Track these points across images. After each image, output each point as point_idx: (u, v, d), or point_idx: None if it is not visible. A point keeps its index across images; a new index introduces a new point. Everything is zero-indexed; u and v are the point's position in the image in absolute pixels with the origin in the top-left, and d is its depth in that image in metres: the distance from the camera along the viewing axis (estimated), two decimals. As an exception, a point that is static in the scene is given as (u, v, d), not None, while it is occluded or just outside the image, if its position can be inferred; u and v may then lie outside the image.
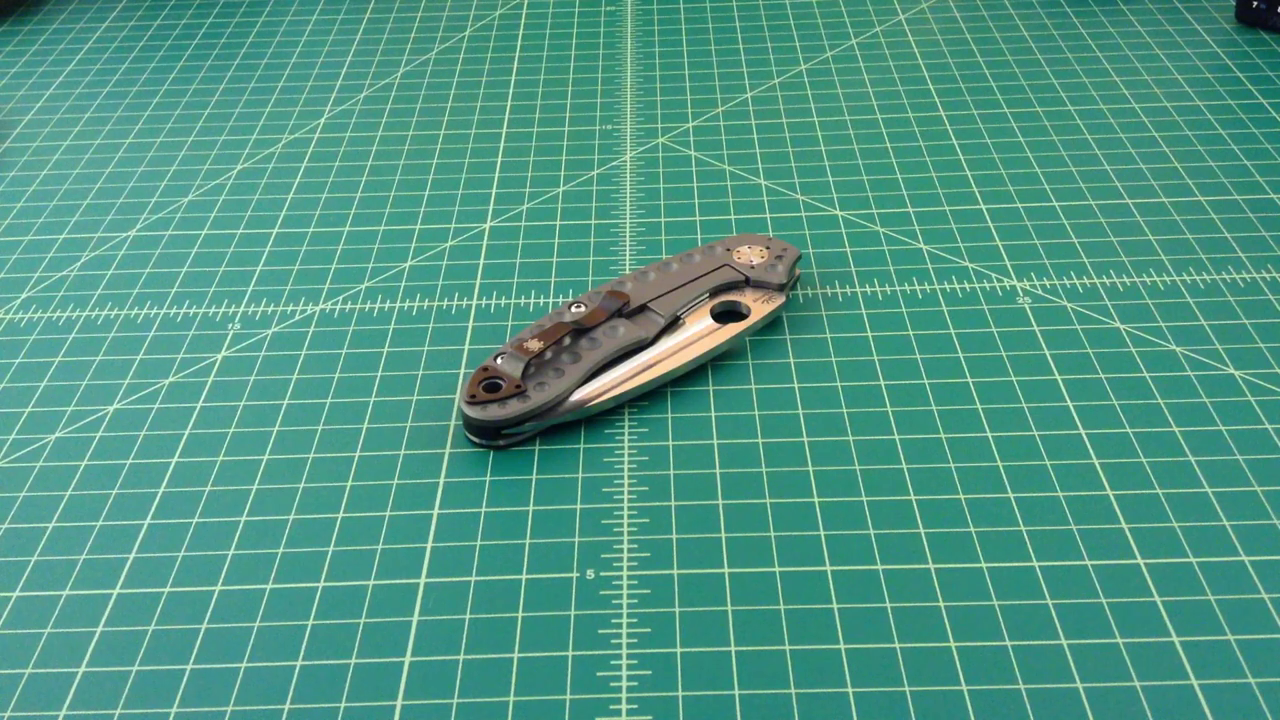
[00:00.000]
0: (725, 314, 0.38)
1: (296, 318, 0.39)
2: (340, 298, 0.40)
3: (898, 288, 0.39)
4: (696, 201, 0.44)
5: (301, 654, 0.29)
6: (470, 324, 0.39)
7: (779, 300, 0.38)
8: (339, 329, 0.39)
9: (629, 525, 0.32)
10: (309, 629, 0.29)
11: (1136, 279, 0.39)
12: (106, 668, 0.29)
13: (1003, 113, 0.48)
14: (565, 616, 0.29)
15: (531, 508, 0.32)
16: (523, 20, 0.58)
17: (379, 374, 0.37)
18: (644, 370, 0.35)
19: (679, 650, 0.29)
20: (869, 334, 0.37)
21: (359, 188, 0.46)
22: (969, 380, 0.36)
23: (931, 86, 0.51)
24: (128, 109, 0.52)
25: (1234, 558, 0.30)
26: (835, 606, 0.29)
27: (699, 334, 0.36)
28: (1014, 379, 0.36)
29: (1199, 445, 0.33)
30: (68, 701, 0.28)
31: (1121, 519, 0.31)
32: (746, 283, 0.38)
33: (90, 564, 0.31)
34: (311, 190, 0.46)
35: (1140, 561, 0.30)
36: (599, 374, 0.35)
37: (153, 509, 0.33)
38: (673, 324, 0.37)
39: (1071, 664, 0.28)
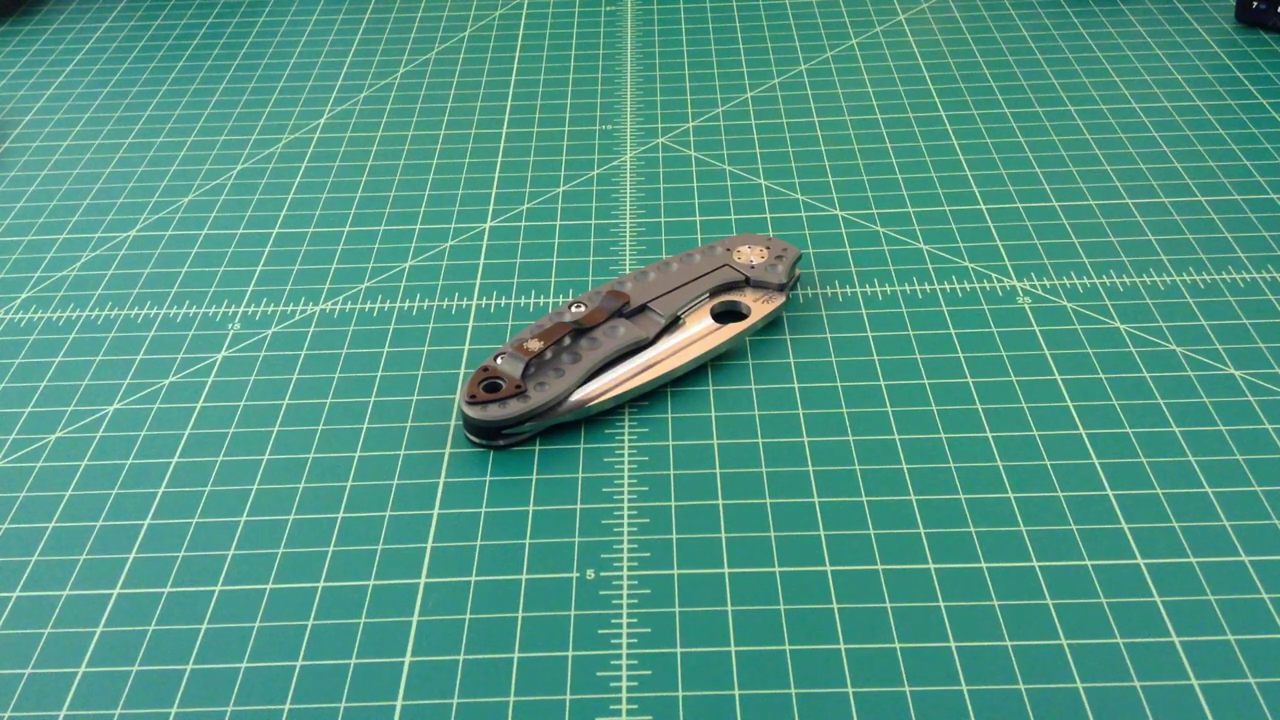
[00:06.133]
0: (725, 314, 0.38)
1: (296, 318, 0.39)
2: (340, 298, 0.40)
3: (898, 288, 0.39)
4: (696, 201, 0.44)
5: (301, 654, 0.29)
6: (470, 324, 0.39)
7: (779, 300, 0.38)
8: (339, 329, 0.39)
9: (629, 525, 0.32)
10: (309, 629, 0.29)
11: (1136, 279, 0.39)
12: (106, 668, 0.29)
13: (1003, 113, 0.48)
14: (565, 616, 0.29)
15: (531, 508, 0.32)
16: (523, 20, 0.58)
17: (379, 374, 0.37)
18: (644, 370, 0.35)
19: (679, 650, 0.29)
20: (869, 334, 0.37)
21: (359, 188, 0.46)
22: (969, 380, 0.36)
23: (931, 86, 0.51)
24: (128, 109, 0.52)
25: (1234, 558, 0.30)
26: (835, 606, 0.29)
27: (699, 334, 0.36)
28: (1014, 379, 0.36)
29: (1199, 445, 0.33)
30: (68, 701, 0.28)
31: (1121, 519, 0.31)
32: (746, 283, 0.38)
33: (90, 564, 0.31)
34: (311, 190, 0.46)
35: (1140, 561, 0.30)
36: (599, 374, 0.35)
37: (153, 509, 0.33)
38: (673, 324, 0.37)
39: (1071, 664, 0.28)
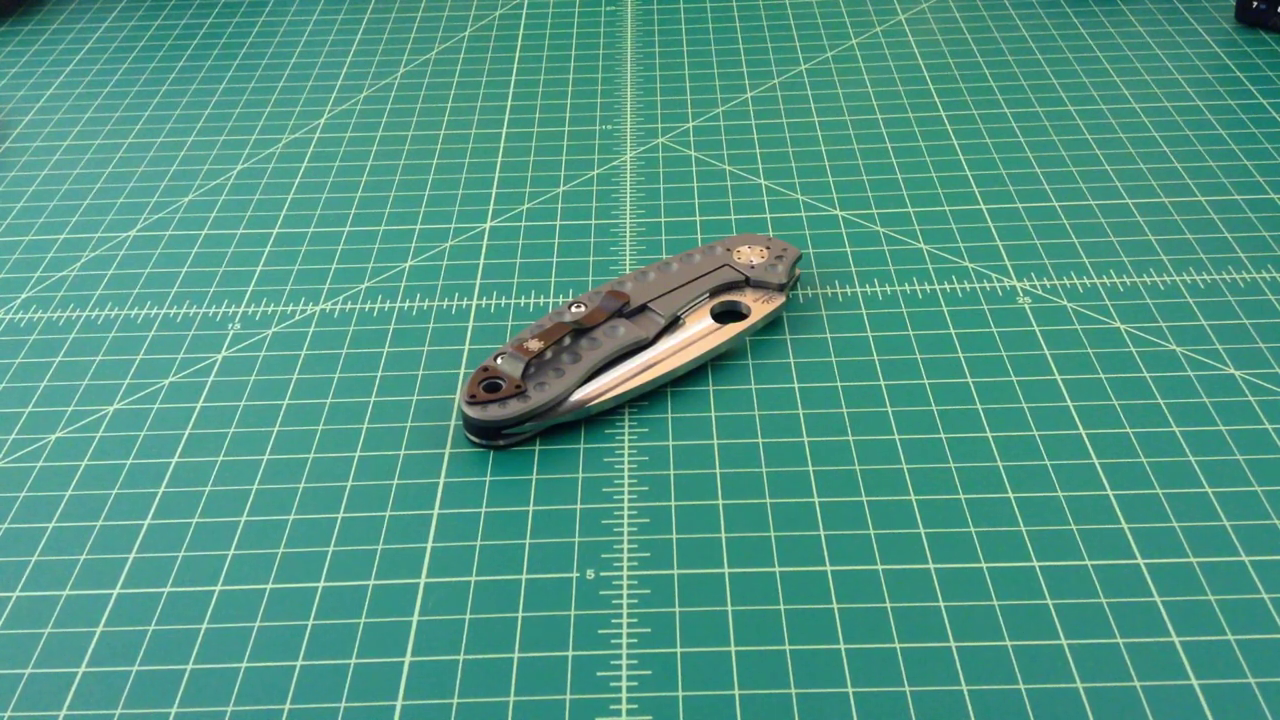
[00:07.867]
0: (725, 314, 0.38)
1: (296, 318, 0.39)
2: (340, 298, 0.40)
3: (898, 288, 0.39)
4: (696, 201, 0.44)
5: (301, 654, 0.29)
6: (470, 324, 0.39)
7: (779, 300, 0.38)
8: (339, 329, 0.39)
9: (629, 525, 0.32)
10: (309, 629, 0.29)
11: (1136, 279, 0.39)
12: (106, 668, 0.29)
13: (1003, 113, 0.48)
14: (565, 616, 0.29)
15: (531, 508, 0.32)
16: (523, 20, 0.58)
17: (379, 374, 0.37)
18: (644, 370, 0.35)
19: (679, 650, 0.29)
20: (869, 334, 0.37)
21: (359, 188, 0.46)
22: (969, 380, 0.36)
23: (931, 86, 0.51)
24: (128, 109, 0.52)
25: (1234, 558, 0.30)
26: (835, 606, 0.29)
27: (699, 334, 0.36)
28: (1014, 379, 0.36)
29: (1199, 445, 0.33)
30: (68, 701, 0.28)
31: (1121, 519, 0.31)
32: (746, 283, 0.38)
33: (90, 564, 0.31)
34: (311, 190, 0.46)
35: (1140, 561, 0.30)
36: (599, 374, 0.35)
37: (153, 509, 0.33)
38: (673, 324, 0.37)
39: (1071, 664, 0.28)
